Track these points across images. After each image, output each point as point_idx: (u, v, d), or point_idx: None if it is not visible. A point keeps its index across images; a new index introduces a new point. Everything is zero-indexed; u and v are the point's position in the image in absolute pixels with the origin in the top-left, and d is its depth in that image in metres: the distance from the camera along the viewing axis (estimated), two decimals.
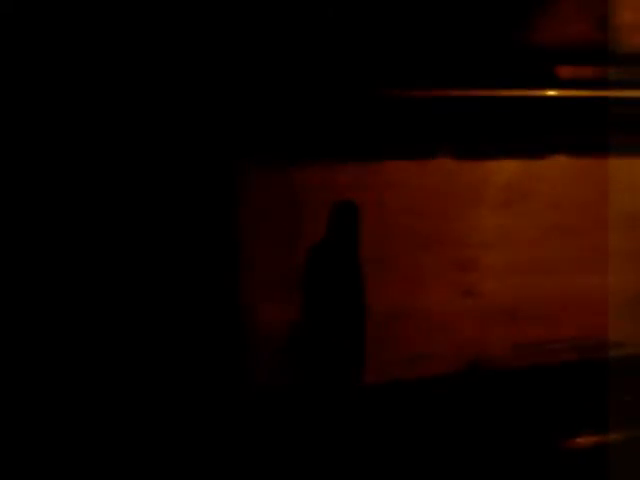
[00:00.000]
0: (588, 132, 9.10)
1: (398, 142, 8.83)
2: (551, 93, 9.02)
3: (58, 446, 7.14)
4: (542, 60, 9.00)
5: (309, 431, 7.61)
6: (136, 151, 8.07)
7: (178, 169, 8.21)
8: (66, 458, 7.03)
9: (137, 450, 7.48)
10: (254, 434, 7.79)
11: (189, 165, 8.25)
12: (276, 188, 8.55)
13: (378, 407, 8.30)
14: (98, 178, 8.00)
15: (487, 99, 8.89)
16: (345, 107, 8.61)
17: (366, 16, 8.66)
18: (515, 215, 9.22)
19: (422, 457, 7.81)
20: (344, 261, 7.62)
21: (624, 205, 9.42)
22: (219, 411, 7.91)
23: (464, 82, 8.86)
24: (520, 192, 9.23)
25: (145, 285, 8.04)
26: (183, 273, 8.11)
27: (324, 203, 8.66)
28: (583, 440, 8.07)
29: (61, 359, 7.66)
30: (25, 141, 7.76)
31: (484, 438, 8.09)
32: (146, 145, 8.08)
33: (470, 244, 9.06)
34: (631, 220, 9.43)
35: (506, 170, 9.15)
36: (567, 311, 9.25)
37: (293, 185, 8.61)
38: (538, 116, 9.06)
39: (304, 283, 7.67)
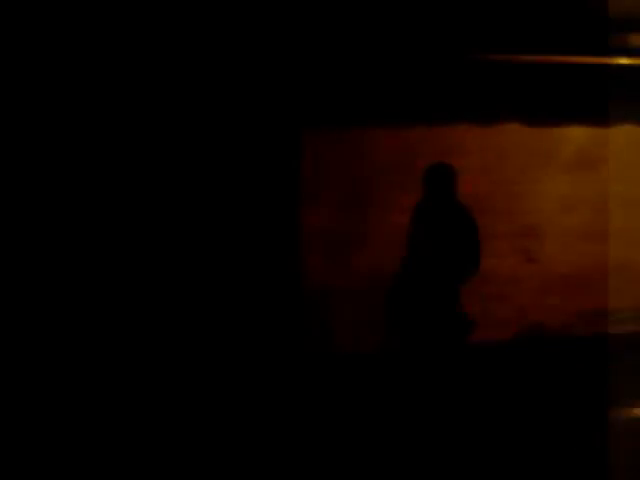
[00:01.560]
0: None
1: (468, 106, 8.81)
2: (622, 61, 8.94)
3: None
4: (613, 28, 8.91)
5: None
6: (203, 113, 8.12)
7: (247, 129, 8.25)
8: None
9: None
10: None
11: (259, 125, 8.29)
12: (344, 149, 8.59)
13: (435, 369, 8.40)
14: (168, 134, 8.08)
15: (558, 66, 8.84)
16: (415, 71, 8.59)
17: None
18: (581, 183, 9.20)
19: (477, 419, 7.89)
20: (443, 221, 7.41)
21: None
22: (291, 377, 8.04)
23: (536, 49, 8.80)
24: (587, 160, 9.20)
25: (208, 244, 8.15)
26: (248, 233, 8.19)
27: (392, 164, 8.70)
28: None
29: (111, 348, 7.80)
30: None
31: (540, 403, 8.17)
32: (214, 108, 8.13)
33: (535, 210, 9.08)
34: None
35: (574, 137, 9.12)
36: (628, 281, 9.27)
37: (361, 146, 8.64)
38: (608, 84, 9.00)
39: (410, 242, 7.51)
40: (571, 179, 9.15)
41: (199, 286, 8.11)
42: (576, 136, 9.11)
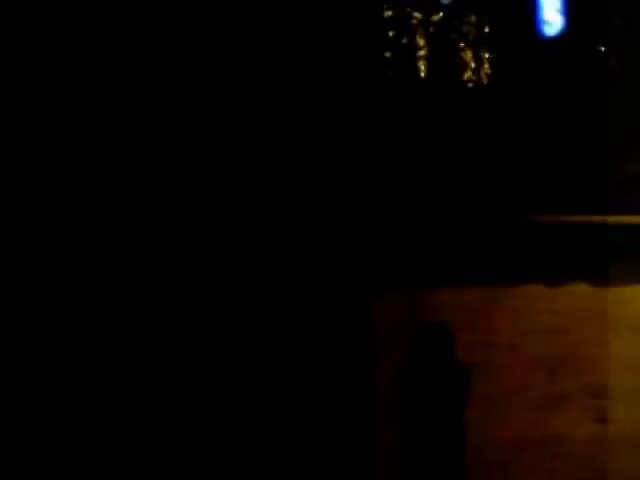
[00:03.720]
0: None
1: (530, 266, 8.88)
2: None
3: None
4: None
5: None
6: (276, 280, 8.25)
7: (318, 291, 8.34)
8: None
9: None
10: None
11: (328, 289, 8.38)
12: (408, 308, 8.62)
13: None
14: None
15: (618, 226, 8.93)
16: (476, 232, 8.70)
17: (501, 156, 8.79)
18: None
19: None
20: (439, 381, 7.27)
21: None
22: None
23: (592, 209, 8.91)
24: None
25: None
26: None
27: (454, 324, 8.68)
28: None
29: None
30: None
31: None
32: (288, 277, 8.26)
33: (602, 370, 9.04)
34: None
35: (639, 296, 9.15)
36: None
37: (423, 305, 8.68)
38: None
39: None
40: (637, 338, 9.15)
41: None
42: None
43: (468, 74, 11.29)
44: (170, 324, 8.15)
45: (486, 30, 11.58)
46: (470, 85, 11.00)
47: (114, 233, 8.49)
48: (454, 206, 9.10)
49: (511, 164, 9.32)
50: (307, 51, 9.83)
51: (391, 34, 11.33)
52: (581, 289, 9.02)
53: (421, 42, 11.33)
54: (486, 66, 11.37)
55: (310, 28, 9.83)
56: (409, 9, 11.47)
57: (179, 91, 9.00)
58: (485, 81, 11.08)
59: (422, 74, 10.87)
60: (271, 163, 9.03)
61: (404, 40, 11.35)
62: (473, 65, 11.52)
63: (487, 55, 11.57)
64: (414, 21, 11.57)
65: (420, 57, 11.30)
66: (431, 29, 11.53)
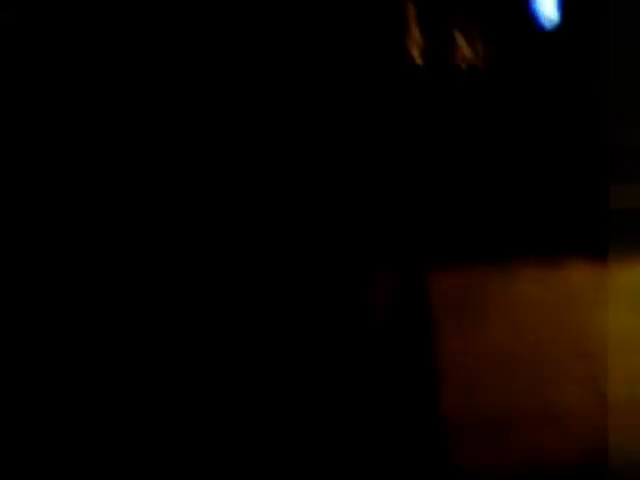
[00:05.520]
0: None
1: (527, 241, 7.05)
2: None
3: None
4: None
5: None
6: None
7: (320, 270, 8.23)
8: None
9: None
10: None
11: (328, 267, 8.21)
12: (408, 291, 7.86)
13: None
14: None
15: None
16: (472, 207, 7.99)
17: None
18: None
19: None
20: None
21: None
22: None
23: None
24: None
25: None
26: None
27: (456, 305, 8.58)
28: None
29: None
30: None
31: None
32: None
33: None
34: None
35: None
36: None
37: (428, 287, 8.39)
38: None
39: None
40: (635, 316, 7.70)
41: None
42: None
43: (463, 65, 10.70)
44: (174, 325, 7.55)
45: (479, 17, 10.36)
46: (466, 77, 10.62)
47: (124, 233, 7.84)
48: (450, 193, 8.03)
49: (507, 154, 9.03)
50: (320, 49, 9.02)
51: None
52: (582, 264, 7.85)
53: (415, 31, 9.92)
54: (479, 49, 10.71)
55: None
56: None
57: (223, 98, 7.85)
58: (481, 72, 10.66)
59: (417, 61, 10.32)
60: (280, 150, 7.75)
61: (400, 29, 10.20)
62: (468, 54, 10.81)
63: (481, 45, 10.69)
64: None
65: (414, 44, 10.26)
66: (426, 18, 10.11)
